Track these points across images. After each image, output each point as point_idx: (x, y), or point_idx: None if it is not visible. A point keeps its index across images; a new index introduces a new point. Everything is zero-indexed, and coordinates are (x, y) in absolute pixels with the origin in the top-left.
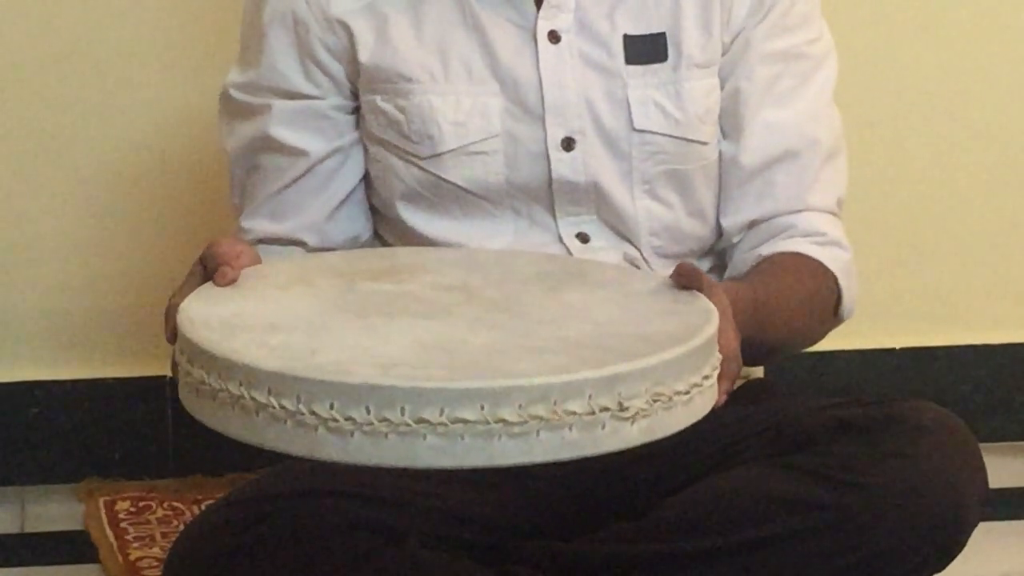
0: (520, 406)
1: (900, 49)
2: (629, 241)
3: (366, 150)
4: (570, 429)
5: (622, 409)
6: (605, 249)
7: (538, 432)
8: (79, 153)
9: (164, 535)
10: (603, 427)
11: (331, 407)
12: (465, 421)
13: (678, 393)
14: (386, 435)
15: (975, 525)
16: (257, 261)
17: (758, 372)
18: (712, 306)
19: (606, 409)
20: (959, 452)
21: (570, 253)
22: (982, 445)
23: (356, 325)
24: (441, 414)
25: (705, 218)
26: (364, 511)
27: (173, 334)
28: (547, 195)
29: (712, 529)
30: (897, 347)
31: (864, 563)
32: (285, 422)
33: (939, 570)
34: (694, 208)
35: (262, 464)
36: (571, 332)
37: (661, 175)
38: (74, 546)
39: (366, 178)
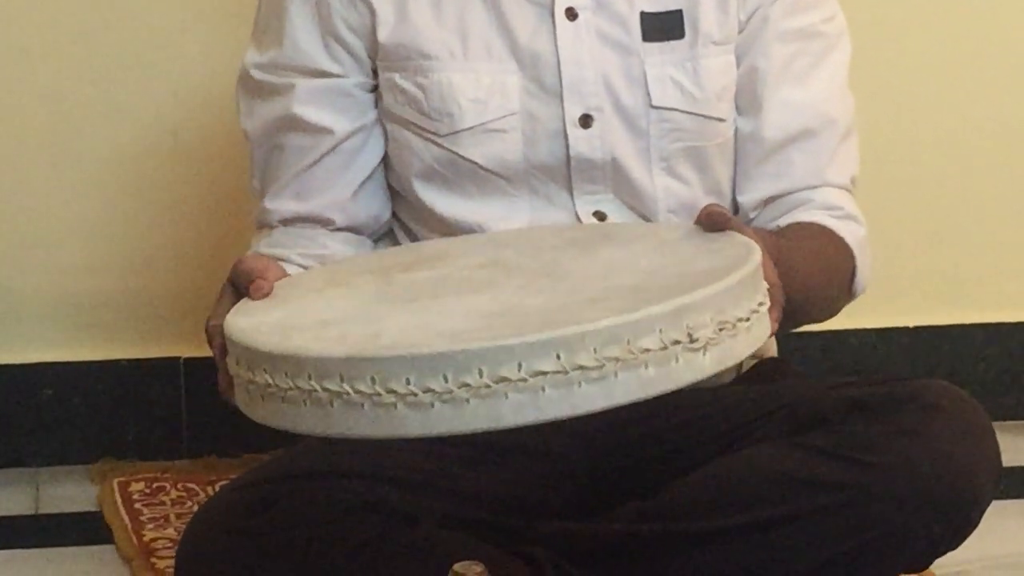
0: (595, 350)
1: (917, 30)
2: (646, 219)
3: (384, 129)
4: (646, 367)
5: (692, 340)
6: None
7: (616, 374)
8: (93, 136)
9: (178, 516)
10: (676, 360)
11: (408, 382)
12: (544, 373)
13: (740, 320)
14: (467, 400)
15: (988, 503)
16: (283, 274)
17: (771, 351)
18: (749, 239)
19: (677, 342)
20: (972, 430)
21: None
22: (995, 424)
23: (407, 309)
24: (519, 369)
25: (722, 195)
26: (378, 492)
27: (221, 352)
28: (565, 173)
29: (725, 508)
30: (910, 326)
31: (877, 541)
32: (362, 406)
33: (952, 548)
34: (711, 185)
35: (276, 445)
36: (622, 281)
37: (679, 152)
38: (88, 527)
39: (384, 157)
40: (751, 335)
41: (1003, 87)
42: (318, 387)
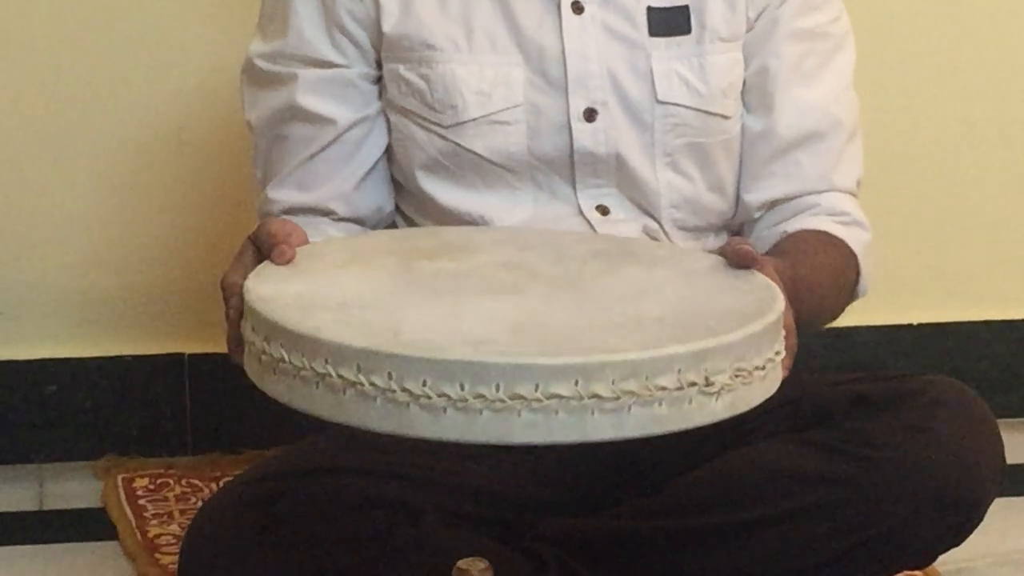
0: (613, 381)
1: (918, 29)
2: (649, 214)
3: (387, 120)
4: (660, 404)
5: (708, 384)
6: (625, 221)
7: (630, 408)
8: (98, 133)
9: (182, 512)
10: (690, 402)
11: (424, 384)
12: (560, 396)
13: (757, 368)
14: (480, 411)
15: (992, 499)
16: (306, 240)
17: None
18: (773, 283)
19: (693, 384)
20: (976, 426)
21: (590, 225)
22: (999, 421)
23: (430, 303)
24: (536, 390)
25: (725, 192)
26: (381, 488)
27: (236, 311)
28: (568, 166)
29: (730, 504)
30: (914, 323)
31: (881, 537)
32: (375, 400)
33: (956, 544)
34: (714, 182)
35: (280, 441)
36: (647, 309)
37: (683, 148)
38: (92, 523)
39: (387, 149)
40: (764, 383)
41: (1006, 85)
42: (333, 373)
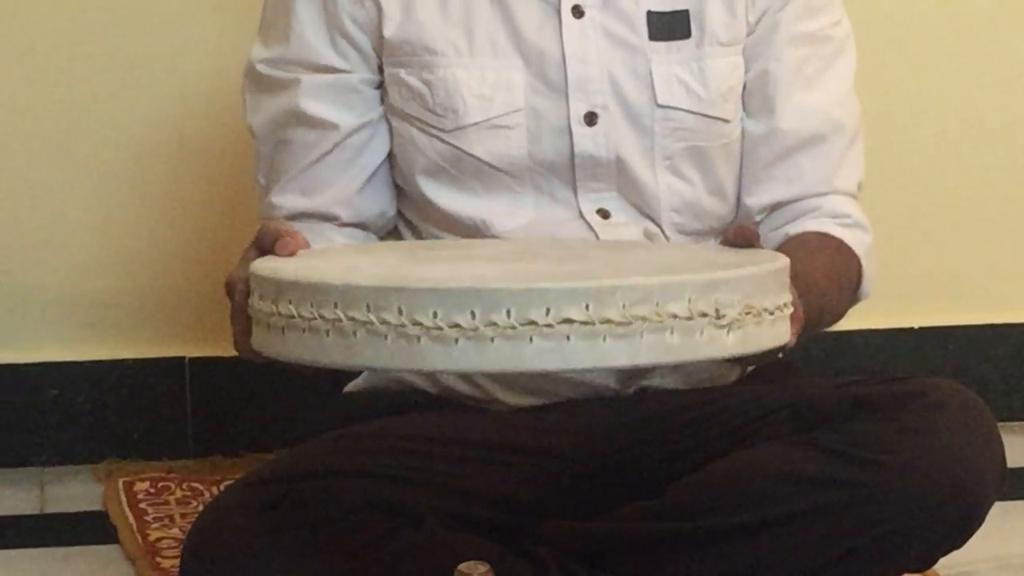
0: (624, 306)
1: (920, 30)
2: (649, 217)
3: (389, 125)
4: (671, 332)
5: (718, 316)
6: (626, 225)
7: (642, 334)
8: (99, 136)
9: (183, 516)
10: (701, 333)
11: (435, 315)
12: (571, 321)
13: (766, 310)
14: (492, 339)
15: (992, 502)
16: (307, 244)
17: None
18: (777, 253)
19: (704, 315)
20: (977, 429)
21: (591, 228)
22: (1000, 424)
23: (437, 266)
24: (547, 314)
25: (724, 196)
26: (382, 491)
27: (244, 296)
28: (569, 170)
29: (731, 507)
30: (916, 326)
31: (882, 539)
32: (385, 337)
33: (957, 547)
34: (714, 186)
35: (281, 445)
36: (655, 266)
37: (683, 151)
38: (93, 527)
39: (389, 153)
40: (774, 329)
41: (1006, 86)
42: (343, 316)
